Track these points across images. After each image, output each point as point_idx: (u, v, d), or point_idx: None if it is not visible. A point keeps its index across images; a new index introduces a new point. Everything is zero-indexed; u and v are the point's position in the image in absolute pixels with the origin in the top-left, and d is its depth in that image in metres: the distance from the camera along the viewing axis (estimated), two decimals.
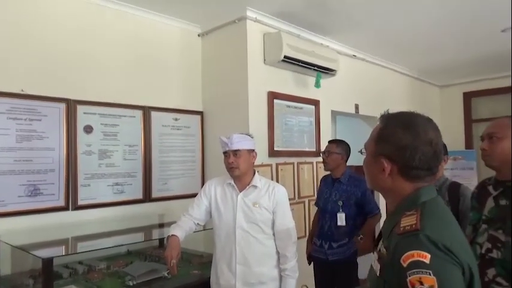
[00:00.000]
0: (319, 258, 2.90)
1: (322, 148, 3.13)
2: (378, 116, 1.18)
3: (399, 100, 5.07)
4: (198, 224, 2.28)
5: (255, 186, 2.20)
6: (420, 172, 1.06)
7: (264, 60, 3.32)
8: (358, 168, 2.71)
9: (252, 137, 2.28)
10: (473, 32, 3.88)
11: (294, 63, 3.33)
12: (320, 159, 3.19)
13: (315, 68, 3.50)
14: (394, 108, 1.19)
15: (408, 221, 0.99)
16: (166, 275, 2.28)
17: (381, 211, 2.94)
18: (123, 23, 3.07)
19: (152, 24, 3.26)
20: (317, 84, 3.56)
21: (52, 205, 2.64)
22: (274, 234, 2.20)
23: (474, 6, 3.22)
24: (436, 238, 0.93)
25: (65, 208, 2.69)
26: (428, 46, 4.30)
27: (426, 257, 0.90)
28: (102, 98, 2.91)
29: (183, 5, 3.12)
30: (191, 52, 3.53)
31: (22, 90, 2.54)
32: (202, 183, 3.37)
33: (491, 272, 1.55)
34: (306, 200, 3.64)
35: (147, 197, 3.14)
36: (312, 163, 3.74)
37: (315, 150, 3.76)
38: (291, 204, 2.35)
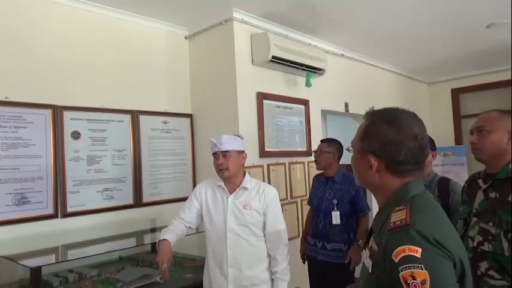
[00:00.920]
0: (312, 257, 2.89)
1: (313, 147, 3.11)
2: None
3: (388, 97, 5.11)
4: (189, 227, 2.26)
5: (245, 188, 2.18)
6: (407, 167, 1.06)
7: (252, 61, 3.31)
8: (349, 167, 2.71)
9: (241, 138, 2.26)
10: (459, 29, 3.91)
11: (282, 63, 3.32)
12: (312, 158, 3.18)
13: (304, 68, 3.50)
14: (383, 106, 1.19)
15: (398, 216, 0.98)
16: (158, 280, 2.26)
17: (373, 212, 2.93)
18: (109, 28, 3.04)
19: (139, 28, 3.23)
20: (307, 84, 3.56)
21: (40, 213, 2.59)
22: (265, 236, 2.18)
23: (458, 2, 3.24)
24: (427, 232, 0.92)
25: (53, 216, 2.65)
26: (415, 44, 4.33)
27: (417, 252, 0.89)
28: (89, 103, 2.87)
29: (169, 7, 3.10)
30: (179, 55, 3.51)
31: (6, 98, 2.49)
32: (194, 186, 3.32)
33: (483, 265, 1.56)
34: (299, 200, 3.64)
35: (138, 202, 3.11)
36: (303, 163, 3.73)
37: (306, 149, 3.76)
38: (283, 204, 2.34)
